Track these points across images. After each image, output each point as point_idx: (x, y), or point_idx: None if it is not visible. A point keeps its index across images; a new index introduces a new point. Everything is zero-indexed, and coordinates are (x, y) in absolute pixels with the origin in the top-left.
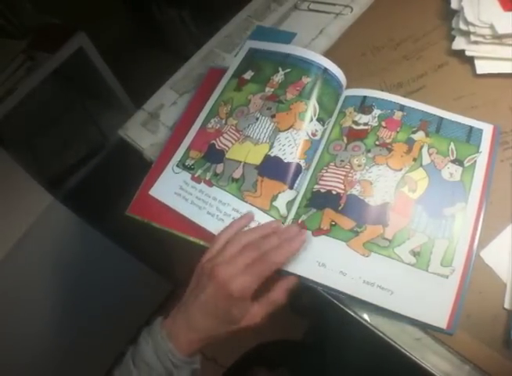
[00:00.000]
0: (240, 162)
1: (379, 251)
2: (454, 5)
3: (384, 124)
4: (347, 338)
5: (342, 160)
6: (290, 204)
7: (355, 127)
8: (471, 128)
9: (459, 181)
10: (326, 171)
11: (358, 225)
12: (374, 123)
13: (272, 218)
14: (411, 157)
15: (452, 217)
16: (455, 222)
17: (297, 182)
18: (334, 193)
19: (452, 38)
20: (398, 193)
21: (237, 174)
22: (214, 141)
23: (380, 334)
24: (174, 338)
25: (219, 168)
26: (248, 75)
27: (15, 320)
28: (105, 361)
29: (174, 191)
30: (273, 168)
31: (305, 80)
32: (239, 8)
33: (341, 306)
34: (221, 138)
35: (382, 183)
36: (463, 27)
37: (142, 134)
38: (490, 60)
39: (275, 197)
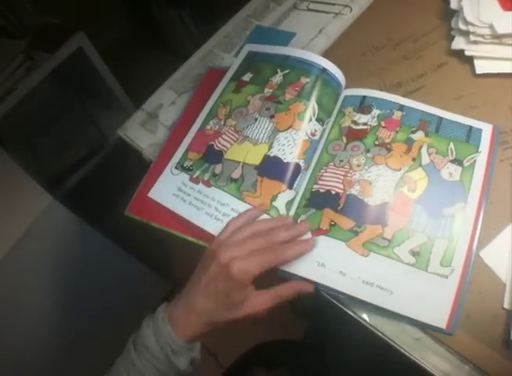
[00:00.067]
0: (239, 162)
1: (378, 251)
2: (453, 4)
3: (383, 124)
4: (346, 338)
5: (341, 160)
6: (289, 204)
7: (354, 127)
8: (471, 127)
9: (459, 181)
10: (326, 171)
11: (357, 225)
12: (373, 123)
13: None
14: (410, 157)
15: (452, 217)
16: (454, 221)
17: (297, 182)
18: (333, 193)
19: (452, 38)
20: (397, 192)
21: (236, 174)
22: (212, 142)
23: (380, 334)
24: (174, 321)
25: (218, 168)
26: (247, 77)
27: (14, 320)
28: (104, 361)
29: (173, 193)
30: (273, 168)
31: (304, 80)
32: (238, 8)
33: (341, 306)
34: (219, 139)
35: (381, 183)
36: (462, 26)
37: (141, 134)
38: (489, 60)
39: (274, 197)
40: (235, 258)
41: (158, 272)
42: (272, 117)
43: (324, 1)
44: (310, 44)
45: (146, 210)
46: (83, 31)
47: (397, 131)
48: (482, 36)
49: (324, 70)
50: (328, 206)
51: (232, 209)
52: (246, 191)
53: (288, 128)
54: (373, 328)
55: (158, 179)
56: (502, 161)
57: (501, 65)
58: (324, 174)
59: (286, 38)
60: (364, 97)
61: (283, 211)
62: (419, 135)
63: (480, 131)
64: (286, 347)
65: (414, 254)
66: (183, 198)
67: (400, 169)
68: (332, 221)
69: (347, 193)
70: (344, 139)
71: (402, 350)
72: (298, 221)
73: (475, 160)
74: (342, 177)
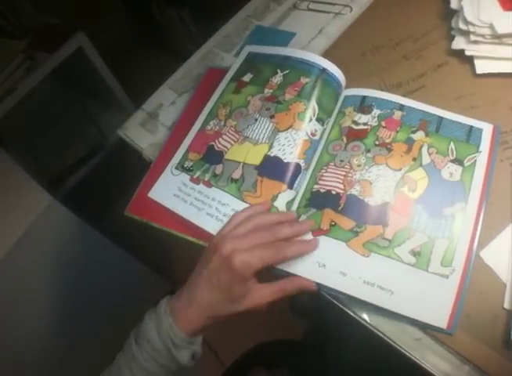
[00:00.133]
0: (240, 163)
1: (379, 251)
2: (454, 4)
3: (383, 123)
4: (346, 338)
5: (342, 160)
6: (289, 204)
7: (354, 127)
8: (471, 127)
9: (459, 181)
10: (326, 171)
11: (357, 226)
12: (374, 123)
13: None
14: (411, 157)
15: (452, 217)
16: (455, 221)
17: (297, 182)
18: (334, 193)
19: (452, 38)
20: (397, 192)
21: (237, 174)
22: (213, 142)
23: (380, 335)
24: (176, 314)
25: (218, 168)
26: (247, 78)
27: (14, 320)
28: (104, 361)
29: (173, 193)
30: (273, 168)
31: (304, 80)
32: (238, 8)
33: (341, 306)
34: (220, 139)
35: (382, 183)
36: (462, 26)
37: (141, 134)
38: (490, 60)
39: (275, 197)
40: (237, 251)
41: (158, 272)
42: (272, 117)
43: (324, 1)
44: (310, 44)
45: (145, 210)
46: (83, 31)
47: (397, 131)
48: (482, 36)
49: (324, 70)
50: (328, 206)
51: (233, 209)
52: (247, 191)
53: (288, 128)
54: (374, 328)
55: (158, 179)
56: (502, 161)
57: (501, 65)
58: (324, 174)
59: (286, 38)
60: (364, 97)
61: (283, 211)
62: (419, 135)
63: (480, 131)
64: (285, 347)
65: (415, 254)
66: (184, 199)
67: (400, 169)
68: (332, 221)
69: (348, 193)
70: (345, 139)
71: (403, 350)
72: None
73: (476, 160)
74: (342, 177)
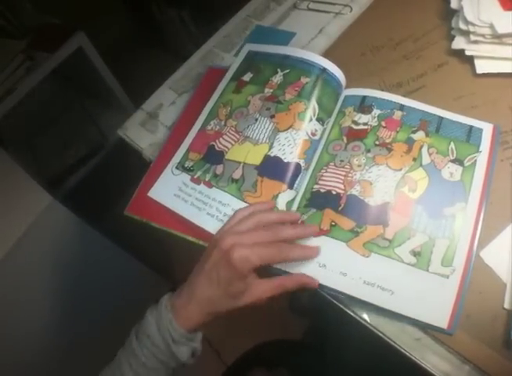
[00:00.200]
0: (240, 163)
1: (379, 252)
2: (454, 4)
3: (383, 123)
4: (346, 338)
5: (342, 160)
6: (289, 204)
7: (354, 127)
8: (471, 127)
9: (460, 181)
10: (326, 171)
11: (358, 226)
12: (374, 123)
13: None
14: (411, 157)
15: (453, 217)
16: (455, 221)
17: (297, 182)
18: (334, 193)
19: (452, 38)
20: (398, 193)
21: (237, 174)
22: (213, 142)
23: (380, 334)
24: (176, 310)
25: (219, 168)
26: (247, 77)
27: (14, 320)
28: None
29: (174, 193)
30: (273, 168)
31: (304, 80)
32: (238, 8)
33: (341, 306)
34: (220, 139)
35: (382, 183)
36: (462, 26)
37: (141, 134)
38: (490, 60)
39: (275, 197)
40: (236, 245)
41: (158, 272)
42: (272, 117)
43: (324, 0)
44: (310, 44)
45: (145, 210)
46: (83, 31)
47: (397, 131)
48: (482, 36)
49: (324, 69)
50: (329, 206)
51: (233, 209)
52: (247, 191)
53: (288, 128)
54: (374, 328)
55: (158, 179)
56: (502, 161)
57: (501, 65)
58: (324, 174)
59: (286, 38)
60: (364, 97)
61: (283, 210)
62: (419, 135)
63: (480, 130)
64: (285, 347)
65: (415, 254)
66: (184, 198)
67: (401, 169)
68: (332, 221)
69: (348, 193)
70: (345, 138)
71: (403, 350)
72: (299, 222)
73: (476, 160)
74: (343, 177)
